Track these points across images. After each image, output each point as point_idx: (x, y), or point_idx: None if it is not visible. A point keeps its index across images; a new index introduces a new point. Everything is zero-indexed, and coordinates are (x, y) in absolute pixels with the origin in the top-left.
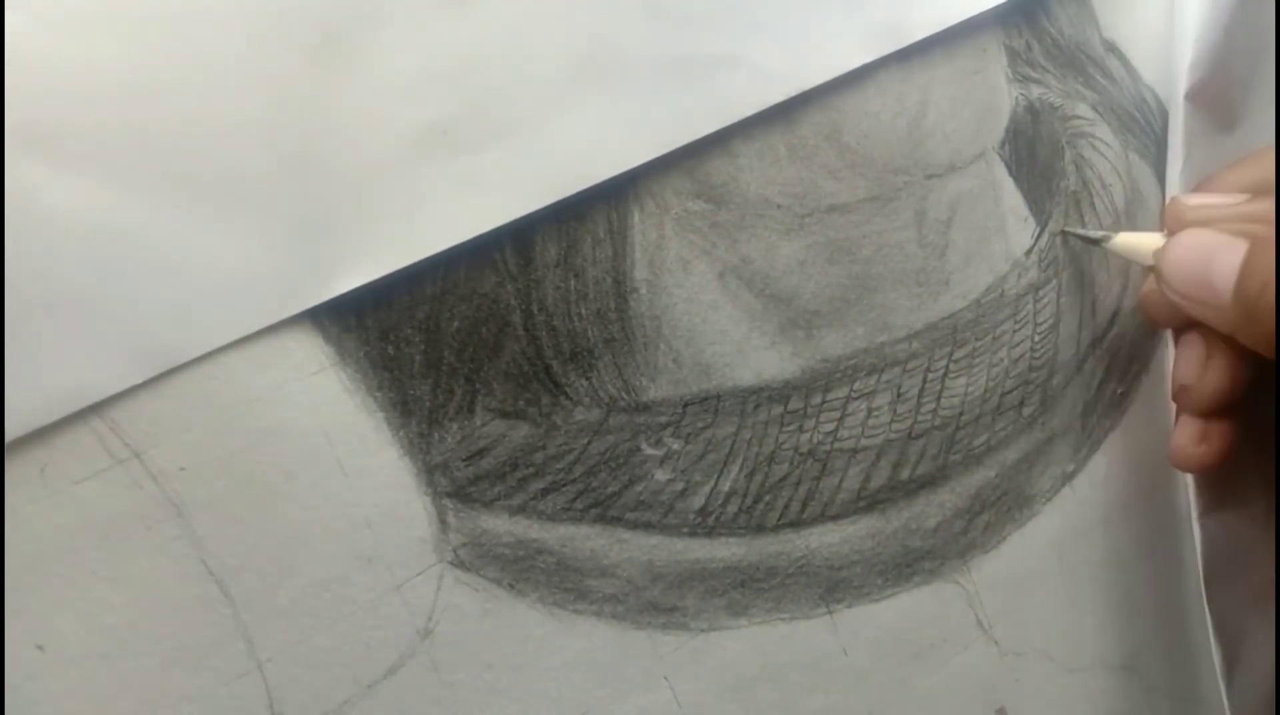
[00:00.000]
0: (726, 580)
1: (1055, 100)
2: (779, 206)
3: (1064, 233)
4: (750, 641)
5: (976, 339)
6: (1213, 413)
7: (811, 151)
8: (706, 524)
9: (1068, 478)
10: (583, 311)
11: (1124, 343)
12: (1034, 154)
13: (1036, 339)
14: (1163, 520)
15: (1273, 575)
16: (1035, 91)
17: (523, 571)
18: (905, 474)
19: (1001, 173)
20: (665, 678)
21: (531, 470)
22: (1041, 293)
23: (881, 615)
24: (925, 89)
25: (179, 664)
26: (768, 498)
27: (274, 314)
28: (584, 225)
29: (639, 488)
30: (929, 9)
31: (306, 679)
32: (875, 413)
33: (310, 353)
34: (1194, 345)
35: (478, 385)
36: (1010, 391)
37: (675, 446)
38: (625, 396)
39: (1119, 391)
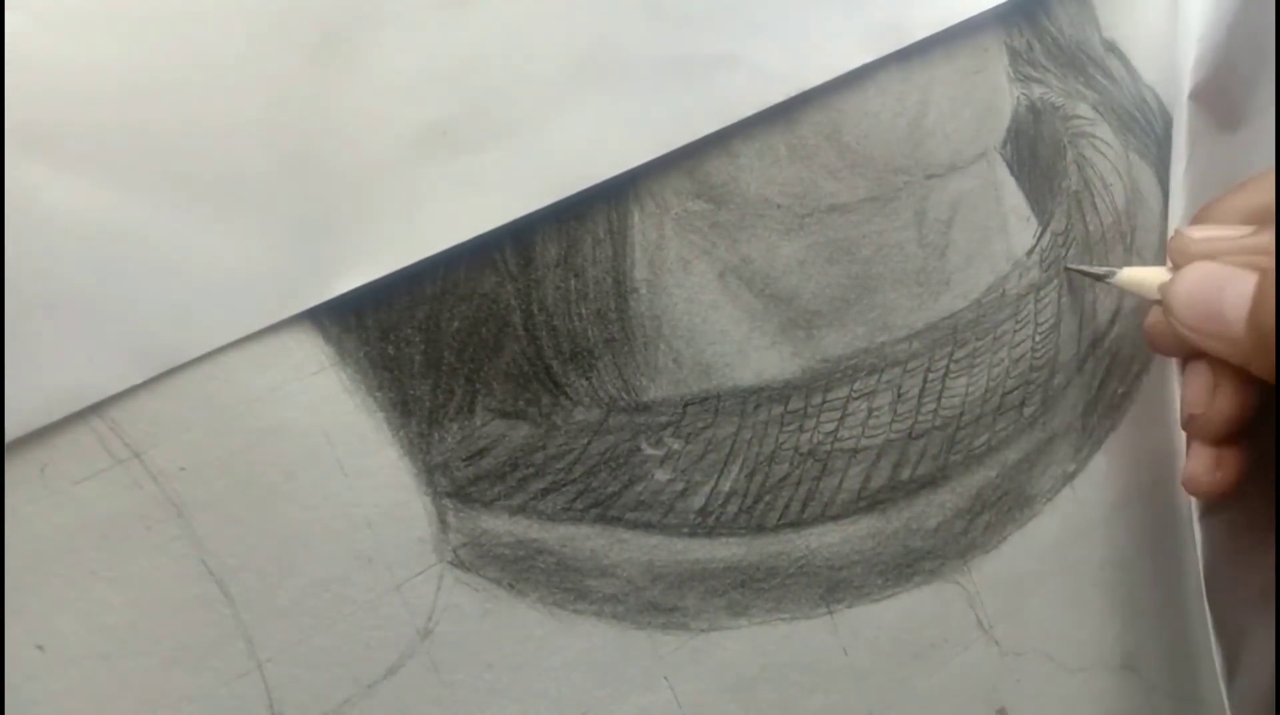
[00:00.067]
0: (727, 580)
1: (1056, 100)
2: (779, 206)
3: (1067, 269)
4: (750, 641)
5: (977, 339)
6: (1224, 440)
7: (812, 151)
8: (707, 524)
9: (1068, 478)
10: (583, 311)
11: (1125, 343)
12: (1035, 154)
13: (1037, 339)
14: (1163, 520)
15: (1273, 575)
16: (1037, 91)
17: (523, 571)
18: (906, 474)
19: (1003, 172)
20: (665, 678)
21: (531, 470)
22: (1043, 293)
23: (882, 615)
24: (926, 89)
25: (179, 664)
26: (768, 498)
27: (274, 314)
28: (584, 225)
29: (639, 488)
30: (929, 9)
31: (306, 679)
32: (876, 413)
33: (310, 353)
34: (1201, 373)
35: (478, 385)
36: (1011, 391)
37: (675, 446)
38: (625, 396)
39: (1120, 392)
